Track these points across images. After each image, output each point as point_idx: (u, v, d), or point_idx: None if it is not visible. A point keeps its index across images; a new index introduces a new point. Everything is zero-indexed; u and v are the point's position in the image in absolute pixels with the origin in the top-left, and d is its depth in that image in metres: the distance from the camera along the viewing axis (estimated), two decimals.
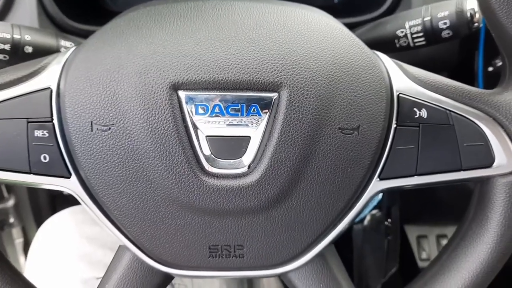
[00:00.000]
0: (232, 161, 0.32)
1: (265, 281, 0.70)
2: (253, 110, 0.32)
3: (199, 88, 0.31)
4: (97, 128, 0.31)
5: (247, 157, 0.32)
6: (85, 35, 0.53)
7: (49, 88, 0.33)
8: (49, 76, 0.33)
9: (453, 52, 0.54)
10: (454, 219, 0.84)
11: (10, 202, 1.11)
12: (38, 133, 0.33)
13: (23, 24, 0.49)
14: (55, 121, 0.33)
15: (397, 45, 0.48)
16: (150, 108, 0.31)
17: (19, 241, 1.17)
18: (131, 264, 0.36)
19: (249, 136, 0.32)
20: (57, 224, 0.57)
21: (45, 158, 0.33)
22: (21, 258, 1.15)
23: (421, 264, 0.80)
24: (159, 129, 0.31)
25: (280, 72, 0.31)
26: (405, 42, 0.47)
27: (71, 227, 0.55)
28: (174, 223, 0.33)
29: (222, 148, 0.32)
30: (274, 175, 0.32)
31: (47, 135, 0.33)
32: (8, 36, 0.43)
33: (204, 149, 0.32)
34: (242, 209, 0.33)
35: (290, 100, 0.31)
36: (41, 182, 0.34)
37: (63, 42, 0.47)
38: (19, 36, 0.44)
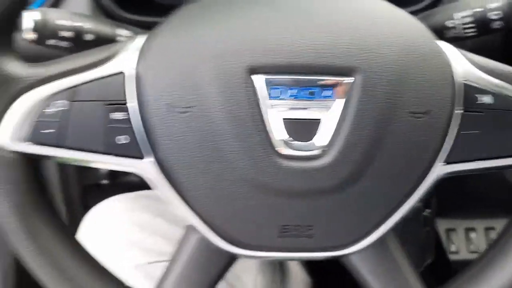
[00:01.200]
0: (304, 143, 0.33)
1: (293, 271, 0.71)
2: (327, 94, 0.32)
3: (274, 72, 0.32)
4: (176, 111, 0.32)
5: (320, 140, 0.33)
6: (134, 25, 0.54)
7: (122, 72, 0.34)
8: (122, 61, 0.35)
9: (500, 42, 0.55)
10: (483, 212, 0.85)
11: None
12: (114, 115, 0.34)
13: None
14: (131, 104, 0.34)
15: (446, 36, 0.48)
16: (227, 91, 0.32)
17: None
18: (199, 245, 0.37)
19: (320, 119, 0.33)
20: (105, 211, 0.58)
21: (119, 139, 0.34)
22: None
23: (451, 257, 0.81)
24: (236, 111, 0.32)
25: (355, 58, 0.32)
26: (455, 33, 0.47)
27: (120, 214, 0.56)
28: (247, 203, 0.34)
29: (295, 131, 0.33)
30: (347, 157, 0.33)
31: (122, 117, 0.34)
32: (70, 23, 0.44)
33: (278, 131, 0.33)
34: (314, 190, 0.34)
35: (364, 85, 0.32)
36: (113, 162, 0.35)
37: (118, 31, 0.48)
38: (80, 24, 0.45)
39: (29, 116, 0.33)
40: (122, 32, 0.48)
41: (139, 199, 0.58)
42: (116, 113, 0.34)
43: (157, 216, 0.56)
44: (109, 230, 0.55)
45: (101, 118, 0.34)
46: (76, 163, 0.35)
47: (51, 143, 0.33)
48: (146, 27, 0.55)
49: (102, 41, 0.46)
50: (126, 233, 0.54)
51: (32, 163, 0.34)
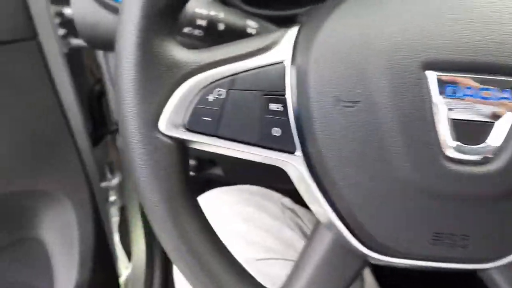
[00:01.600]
0: (475, 146, 0.31)
1: (367, 281, 0.69)
2: (505, 95, 0.30)
3: (451, 69, 0.30)
4: (342, 104, 0.31)
5: (491, 144, 0.31)
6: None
7: (283, 62, 0.33)
8: (282, 51, 0.34)
9: None
10: None
11: (114, 181, 1.15)
12: (273, 106, 0.33)
13: None
14: (290, 95, 0.33)
15: None
16: (399, 87, 0.30)
17: (115, 219, 1.21)
18: (334, 246, 0.36)
19: (495, 122, 0.31)
20: (207, 203, 0.57)
21: (276, 131, 0.33)
22: (116, 236, 1.20)
23: None
24: (405, 109, 0.31)
25: None
26: None
27: (223, 206, 0.55)
28: (403, 205, 0.32)
29: (465, 133, 0.31)
30: None
31: (281, 109, 0.33)
32: (206, 12, 0.44)
33: (447, 132, 0.31)
34: (479, 197, 0.32)
35: None
36: (265, 155, 0.34)
37: (249, 22, 0.47)
38: (214, 13, 0.44)
39: (190, 102, 0.33)
40: (252, 23, 0.47)
41: (242, 193, 0.58)
42: (275, 104, 0.33)
43: (260, 210, 0.56)
44: (214, 220, 0.54)
45: (258, 108, 0.33)
46: (224, 153, 0.35)
47: (207, 131, 0.33)
48: (265, 20, 0.54)
49: (232, 31, 0.46)
50: (230, 224, 0.53)
51: (184, 151, 0.34)
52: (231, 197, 0.57)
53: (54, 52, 0.76)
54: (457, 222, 0.33)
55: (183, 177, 0.34)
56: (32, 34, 0.73)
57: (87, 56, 0.96)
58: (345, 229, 0.35)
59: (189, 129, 0.33)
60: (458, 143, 0.31)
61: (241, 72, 0.33)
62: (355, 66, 0.31)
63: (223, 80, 0.33)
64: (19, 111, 0.75)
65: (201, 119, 0.33)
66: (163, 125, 0.32)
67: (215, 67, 0.33)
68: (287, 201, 0.61)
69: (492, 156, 0.31)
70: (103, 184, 1.06)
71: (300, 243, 0.53)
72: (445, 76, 0.30)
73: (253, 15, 0.54)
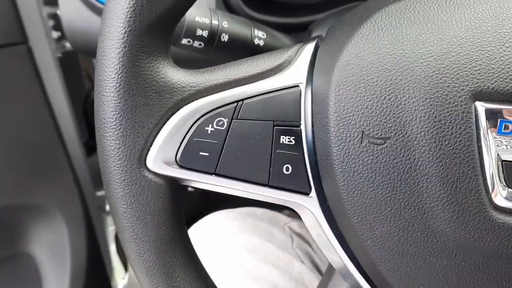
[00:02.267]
0: None
1: None
2: None
3: (506, 100, 0.25)
4: (368, 141, 0.26)
5: None
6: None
7: (298, 86, 0.28)
8: (297, 72, 0.28)
9: None
10: None
11: None
12: (285, 139, 0.27)
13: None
14: (304, 126, 0.27)
15: None
16: (441, 121, 0.25)
17: (111, 229, 1.17)
18: None
19: None
20: (210, 230, 0.52)
21: (287, 169, 0.28)
22: (112, 246, 1.15)
23: None
24: (449, 147, 0.25)
25: None
26: None
27: (228, 236, 0.50)
28: (441, 262, 0.27)
29: None
30: None
31: (293, 142, 0.27)
32: (208, 21, 0.38)
33: (498, 177, 0.25)
34: None
35: None
36: (275, 197, 0.28)
37: (257, 32, 0.41)
38: (217, 22, 0.39)
39: (184, 134, 0.27)
40: (259, 34, 0.42)
41: (246, 218, 0.52)
42: (287, 136, 0.27)
43: (266, 240, 0.50)
44: (218, 253, 0.49)
45: (267, 142, 0.27)
46: (224, 192, 0.29)
47: (204, 169, 0.27)
48: (274, 28, 0.49)
49: (237, 43, 0.41)
50: (237, 259, 0.48)
51: (177, 190, 0.28)
52: (235, 223, 0.51)
53: (46, 57, 0.71)
54: (500, 282, 0.27)
55: (175, 222, 0.28)
56: (22, 39, 0.68)
57: (83, 59, 0.91)
58: (366, 285, 0.29)
59: (183, 166, 0.27)
60: (510, 189, 0.25)
61: (248, 98, 0.27)
62: (386, 94, 0.25)
63: (225, 108, 0.27)
64: (9, 121, 0.70)
65: (197, 154, 0.27)
66: (152, 161, 0.27)
67: (215, 91, 0.27)
68: (294, 225, 0.56)
69: None
70: (99, 193, 1.02)
71: (309, 277, 0.48)
72: (498, 108, 0.25)
73: (261, 23, 0.48)
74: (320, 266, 0.51)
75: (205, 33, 0.38)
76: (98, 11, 0.48)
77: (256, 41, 0.41)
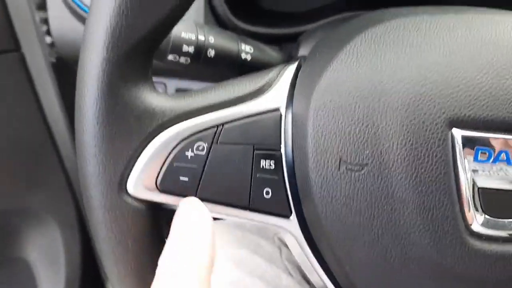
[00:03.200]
0: (506, 221, 0.26)
1: None
2: None
3: (482, 127, 0.25)
4: (346, 167, 0.26)
5: None
6: (249, 36, 0.48)
7: (278, 110, 0.28)
8: (278, 95, 0.28)
9: None
10: None
11: None
12: (265, 163, 0.27)
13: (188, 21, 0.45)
14: (284, 151, 0.27)
15: None
16: (418, 148, 0.25)
17: None
18: None
19: None
20: None
21: (267, 193, 0.28)
22: None
23: None
24: (425, 174, 0.25)
25: None
26: None
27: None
28: None
29: (496, 205, 0.25)
30: None
31: (273, 166, 0.28)
32: (193, 37, 0.38)
33: (474, 203, 0.25)
34: (508, 281, 0.26)
35: None
36: (256, 220, 0.29)
37: (243, 46, 0.41)
38: (203, 38, 0.39)
39: (164, 159, 0.27)
40: (246, 48, 0.42)
41: (232, 230, 0.52)
42: (267, 160, 0.27)
43: (253, 252, 0.50)
44: None
45: (248, 166, 0.27)
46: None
47: (184, 193, 0.28)
48: (260, 38, 0.49)
49: (226, 57, 0.40)
50: (223, 271, 0.48)
51: (158, 214, 0.29)
52: (223, 236, 0.51)
53: (39, 63, 0.71)
54: None
55: (156, 245, 0.29)
56: (15, 46, 0.68)
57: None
58: None
59: (163, 190, 0.27)
60: (488, 216, 0.26)
61: (228, 122, 0.28)
62: (363, 121, 0.25)
63: (205, 132, 0.27)
64: (1, 127, 0.70)
65: (177, 179, 0.27)
66: (132, 186, 0.27)
67: (195, 115, 0.27)
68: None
69: None
70: None
71: None
72: (476, 136, 0.25)
73: (250, 34, 0.48)
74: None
75: (191, 49, 0.38)
76: (83, 20, 0.48)
77: (243, 56, 0.41)
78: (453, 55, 0.25)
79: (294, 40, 0.50)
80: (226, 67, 0.41)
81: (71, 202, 0.80)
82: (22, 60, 0.68)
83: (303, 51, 0.45)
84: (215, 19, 0.48)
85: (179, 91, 0.51)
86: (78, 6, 0.48)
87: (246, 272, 0.47)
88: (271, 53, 0.44)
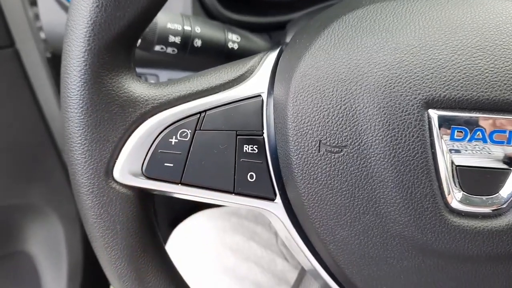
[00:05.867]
0: (484, 197, 0.26)
1: None
2: None
3: (458, 107, 0.25)
4: (325, 149, 0.26)
5: (504, 194, 0.26)
6: (237, 26, 0.48)
7: (260, 96, 0.28)
8: (259, 82, 0.29)
9: None
10: None
11: None
12: (248, 148, 0.28)
13: (177, 12, 0.45)
14: (267, 135, 0.28)
15: None
16: (395, 129, 0.25)
17: None
18: None
19: (509, 169, 0.26)
20: (194, 230, 0.53)
21: (251, 177, 0.28)
22: None
23: None
24: (403, 154, 0.26)
25: None
26: None
27: (211, 235, 0.51)
28: (401, 264, 0.28)
29: (474, 182, 0.26)
30: None
31: (256, 150, 0.28)
32: (179, 28, 0.39)
33: (452, 181, 0.26)
34: (487, 256, 0.27)
35: None
36: (241, 203, 0.29)
37: (230, 35, 0.42)
38: (189, 28, 0.39)
39: (148, 146, 0.28)
40: (233, 37, 0.42)
41: (228, 217, 0.53)
42: (250, 145, 0.28)
43: (249, 238, 0.51)
44: (201, 253, 0.50)
45: (231, 151, 0.28)
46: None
47: (170, 179, 0.28)
48: (249, 28, 0.49)
49: (210, 47, 0.41)
50: (219, 257, 0.49)
51: (146, 198, 0.29)
52: (218, 223, 0.52)
53: (34, 59, 0.72)
54: (462, 283, 0.28)
55: (145, 229, 0.29)
56: (9, 42, 0.68)
57: None
58: (335, 285, 0.30)
59: (149, 177, 0.28)
60: (465, 193, 0.26)
61: (210, 109, 0.28)
62: (341, 104, 0.26)
63: (188, 119, 0.28)
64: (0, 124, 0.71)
65: (162, 165, 0.28)
66: (118, 173, 0.28)
67: (178, 103, 0.28)
68: None
69: (502, 209, 0.26)
70: None
71: (292, 274, 0.49)
72: (451, 115, 0.25)
73: (238, 23, 0.48)
74: None
75: (177, 39, 0.39)
76: None
77: (230, 45, 0.41)
78: (428, 38, 0.26)
79: (283, 28, 0.51)
80: (214, 57, 0.41)
81: (70, 196, 0.81)
82: (17, 56, 0.69)
83: (290, 38, 0.46)
84: (204, 10, 0.49)
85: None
86: None
87: (242, 259, 0.48)
88: (258, 41, 0.45)
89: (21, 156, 0.75)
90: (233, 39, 0.42)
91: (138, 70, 0.52)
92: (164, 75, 0.56)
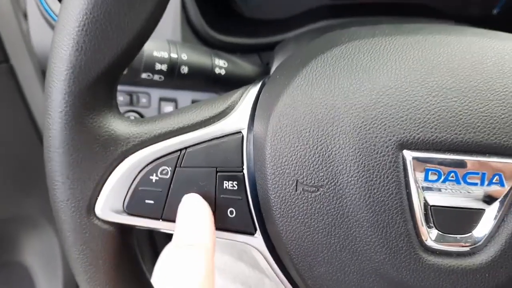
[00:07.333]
0: (459, 236, 0.27)
1: None
2: (496, 180, 0.26)
3: (432, 148, 0.26)
4: (302, 189, 0.27)
5: (478, 234, 0.26)
6: (227, 48, 0.49)
7: (241, 132, 0.29)
8: (240, 118, 0.29)
9: None
10: None
11: None
12: (228, 184, 0.29)
13: (166, 36, 0.46)
14: (247, 171, 0.29)
15: None
16: (370, 170, 0.26)
17: None
18: None
19: (483, 209, 0.26)
20: None
21: (231, 212, 0.29)
22: None
23: None
24: (378, 195, 0.26)
25: None
26: None
27: None
28: None
29: (448, 221, 0.26)
30: (509, 257, 0.26)
31: (236, 187, 0.29)
32: (166, 55, 0.39)
33: (427, 221, 0.26)
34: None
35: None
36: (222, 238, 0.30)
37: (217, 61, 0.42)
38: (176, 56, 0.40)
39: (129, 184, 0.28)
40: (220, 63, 0.43)
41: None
42: (230, 181, 0.28)
43: (237, 259, 0.51)
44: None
45: (211, 188, 0.28)
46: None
47: (151, 215, 0.29)
48: (239, 49, 0.49)
49: (200, 73, 0.42)
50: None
51: (128, 234, 0.30)
52: None
53: (29, 73, 0.72)
54: None
55: (128, 262, 0.30)
56: (3, 58, 0.69)
57: None
58: None
59: (130, 213, 0.29)
60: (439, 232, 0.27)
61: (190, 146, 0.29)
62: (318, 145, 0.26)
63: (168, 157, 0.28)
64: None
65: (143, 202, 0.28)
66: (100, 210, 0.28)
67: (159, 141, 0.28)
68: None
69: (476, 248, 0.26)
70: None
71: None
72: (425, 157, 0.26)
73: (228, 45, 0.49)
74: None
75: (164, 67, 0.39)
76: None
77: (217, 71, 0.42)
78: (404, 78, 0.26)
79: (272, 48, 0.51)
80: (201, 82, 0.42)
81: None
82: (11, 72, 0.70)
83: (277, 61, 0.46)
84: (193, 33, 0.49)
85: (162, 100, 0.52)
86: (53, 18, 0.49)
87: (229, 279, 0.49)
88: (245, 66, 0.45)
89: (17, 169, 0.76)
90: (220, 65, 0.42)
91: (130, 88, 0.52)
92: (156, 93, 0.57)
